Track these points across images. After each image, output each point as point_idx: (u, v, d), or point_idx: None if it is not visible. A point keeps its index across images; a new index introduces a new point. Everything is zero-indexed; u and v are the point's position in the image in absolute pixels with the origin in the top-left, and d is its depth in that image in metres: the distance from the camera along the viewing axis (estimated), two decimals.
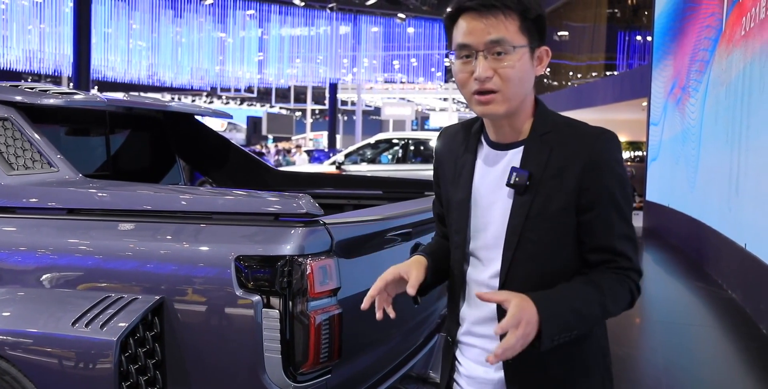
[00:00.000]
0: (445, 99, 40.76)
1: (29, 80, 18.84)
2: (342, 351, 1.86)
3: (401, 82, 35.10)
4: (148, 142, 3.60)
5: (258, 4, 28.65)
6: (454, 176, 1.42)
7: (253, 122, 28.28)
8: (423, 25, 30.42)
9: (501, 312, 1.35)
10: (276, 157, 21.68)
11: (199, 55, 29.34)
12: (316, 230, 1.84)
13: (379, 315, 1.34)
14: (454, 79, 1.35)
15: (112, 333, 1.77)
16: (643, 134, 12.86)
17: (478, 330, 1.39)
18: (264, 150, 23.49)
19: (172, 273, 1.87)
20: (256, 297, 1.77)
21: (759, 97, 5.55)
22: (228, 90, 36.03)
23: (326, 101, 35.79)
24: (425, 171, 10.10)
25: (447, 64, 32.04)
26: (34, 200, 2.15)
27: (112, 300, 1.86)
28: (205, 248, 1.88)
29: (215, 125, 28.61)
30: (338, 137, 35.33)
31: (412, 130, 34.79)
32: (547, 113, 1.36)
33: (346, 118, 50.71)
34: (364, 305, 1.34)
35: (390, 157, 12.96)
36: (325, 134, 34.77)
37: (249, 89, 36.46)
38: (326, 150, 24.64)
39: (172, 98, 28.34)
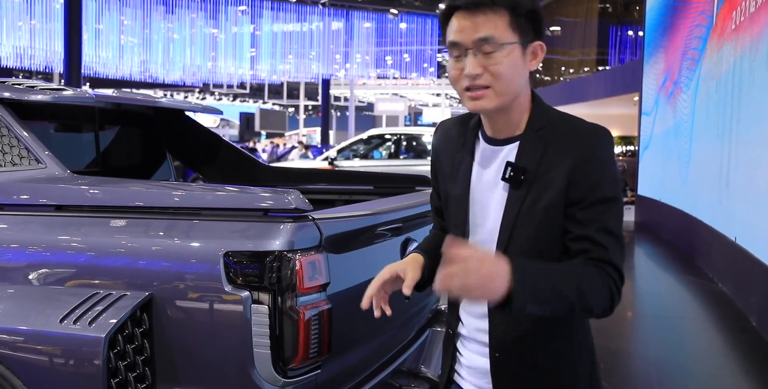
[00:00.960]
0: (437, 94, 40.70)
1: (20, 77, 18.70)
2: (332, 347, 1.86)
3: (394, 77, 35.07)
4: (138, 138, 3.58)
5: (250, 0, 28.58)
6: (451, 171, 1.43)
7: (246, 118, 28.14)
8: (415, 21, 30.40)
9: (491, 309, 1.37)
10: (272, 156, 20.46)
11: (191, 51, 29.25)
12: (305, 225, 1.83)
13: (377, 314, 1.37)
14: (447, 75, 1.36)
15: (101, 330, 1.76)
16: (635, 128, 12.90)
17: (477, 323, 1.41)
18: (258, 146, 23.11)
19: (161, 269, 1.87)
20: (245, 293, 1.77)
21: (749, 91, 5.57)
22: (220, 86, 35.93)
23: (319, 97, 35.74)
24: (417, 166, 10.10)
25: (441, 60, 32.06)
26: (21, 196, 2.14)
27: (101, 296, 1.85)
28: (193, 244, 1.87)
29: (207, 121, 28.49)
30: (331, 133, 35.26)
31: (405, 125, 34.78)
32: (544, 108, 1.36)
33: (339, 114, 50.66)
34: (364, 305, 1.36)
35: (382, 152, 12.96)
36: (318, 129, 34.70)
37: (241, 85, 36.37)
38: (319, 146, 24.52)
39: (164, 95, 28.26)
